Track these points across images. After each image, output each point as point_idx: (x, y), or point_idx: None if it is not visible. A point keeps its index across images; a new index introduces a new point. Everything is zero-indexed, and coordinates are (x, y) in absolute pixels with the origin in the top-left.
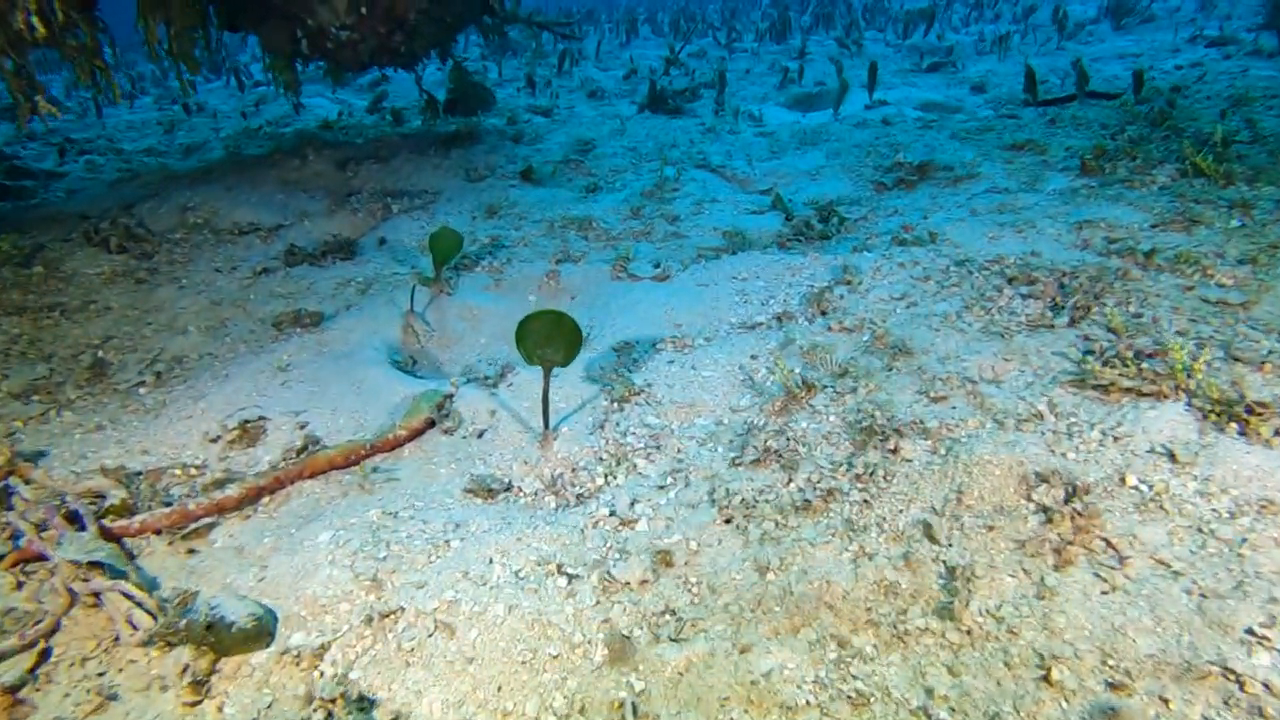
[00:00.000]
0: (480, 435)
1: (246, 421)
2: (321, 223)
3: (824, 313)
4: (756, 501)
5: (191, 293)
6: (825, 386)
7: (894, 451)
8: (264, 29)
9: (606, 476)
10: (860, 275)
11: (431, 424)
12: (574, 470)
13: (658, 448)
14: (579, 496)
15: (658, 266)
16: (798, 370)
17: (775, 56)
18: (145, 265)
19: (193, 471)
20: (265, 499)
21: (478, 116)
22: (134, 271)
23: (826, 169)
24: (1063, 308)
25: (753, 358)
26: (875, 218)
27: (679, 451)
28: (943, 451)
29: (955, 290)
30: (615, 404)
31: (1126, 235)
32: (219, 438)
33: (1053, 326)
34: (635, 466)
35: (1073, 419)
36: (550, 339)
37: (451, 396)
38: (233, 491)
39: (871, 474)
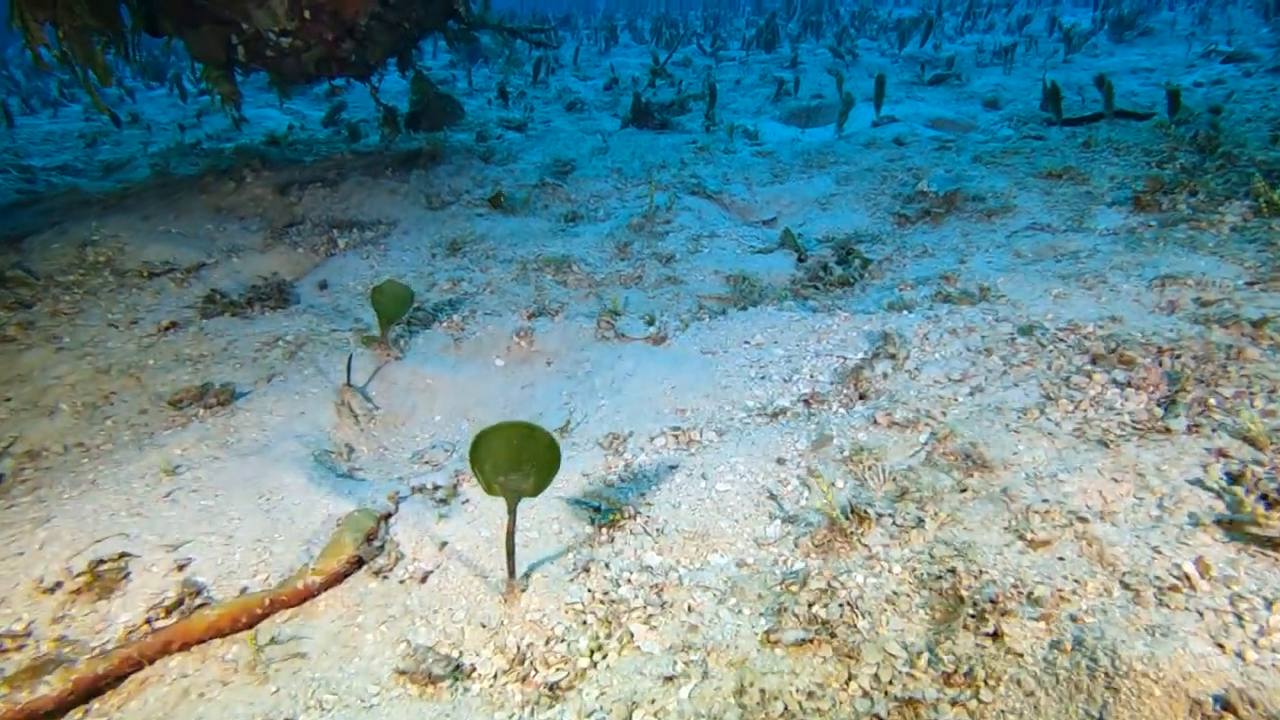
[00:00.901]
0: (424, 580)
1: (102, 561)
2: (254, 260)
3: (864, 396)
4: (807, 717)
5: (72, 356)
6: (881, 515)
7: (994, 636)
8: (192, 35)
9: (593, 653)
10: (905, 345)
11: (359, 563)
12: (548, 641)
13: (661, 605)
14: (553, 688)
15: (652, 324)
16: (841, 485)
17: (765, 66)
18: (18, 318)
19: (6, 644)
20: (107, 693)
21: (443, 131)
22: (1, 327)
23: (838, 197)
24: (1174, 403)
25: (779, 462)
26: (902, 259)
27: (691, 611)
28: (1067, 644)
29: (1028, 370)
30: (604, 532)
31: (1222, 296)
32: (59, 585)
33: (1169, 431)
34: (631, 637)
35: (1236, 590)
36: (517, 461)
37: (388, 518)
38: (51, 688)
39: (968, 675)
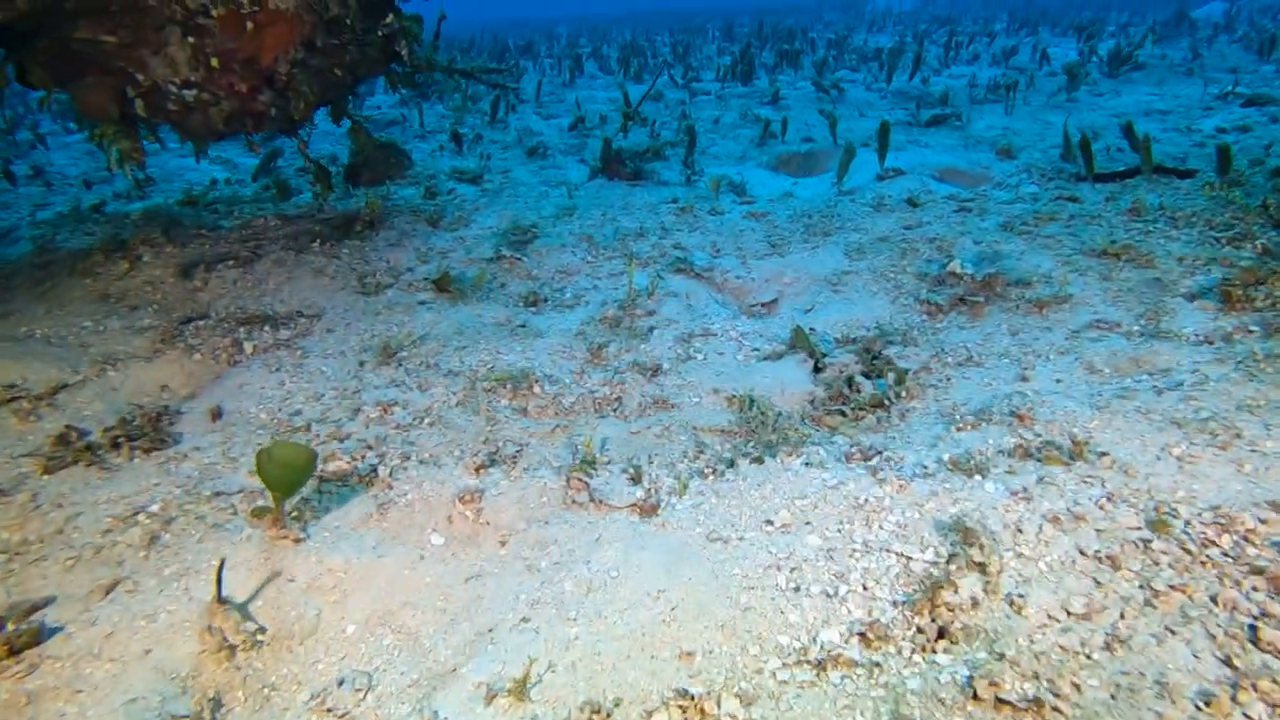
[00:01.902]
0: None
1: None
2: (136, 372)
3: (945, 634)
4: None
5: None
6: None
7: None
8: (76, 87)
9: None
10: (994, 545)
11: None
12: None
13: None
14: None
15: (638, 480)
16: None
17: (744, 101)
18: None
19: None
20: None
21: (387, 186)
22: None
23: (851, 276)
24: None
25: None
26: (943, 368)
27: None
28: None
29: (1182, 604)
30: None
31: None
32: None
33: None
34: None
35: None
36: None
37: None
38: None
39: None
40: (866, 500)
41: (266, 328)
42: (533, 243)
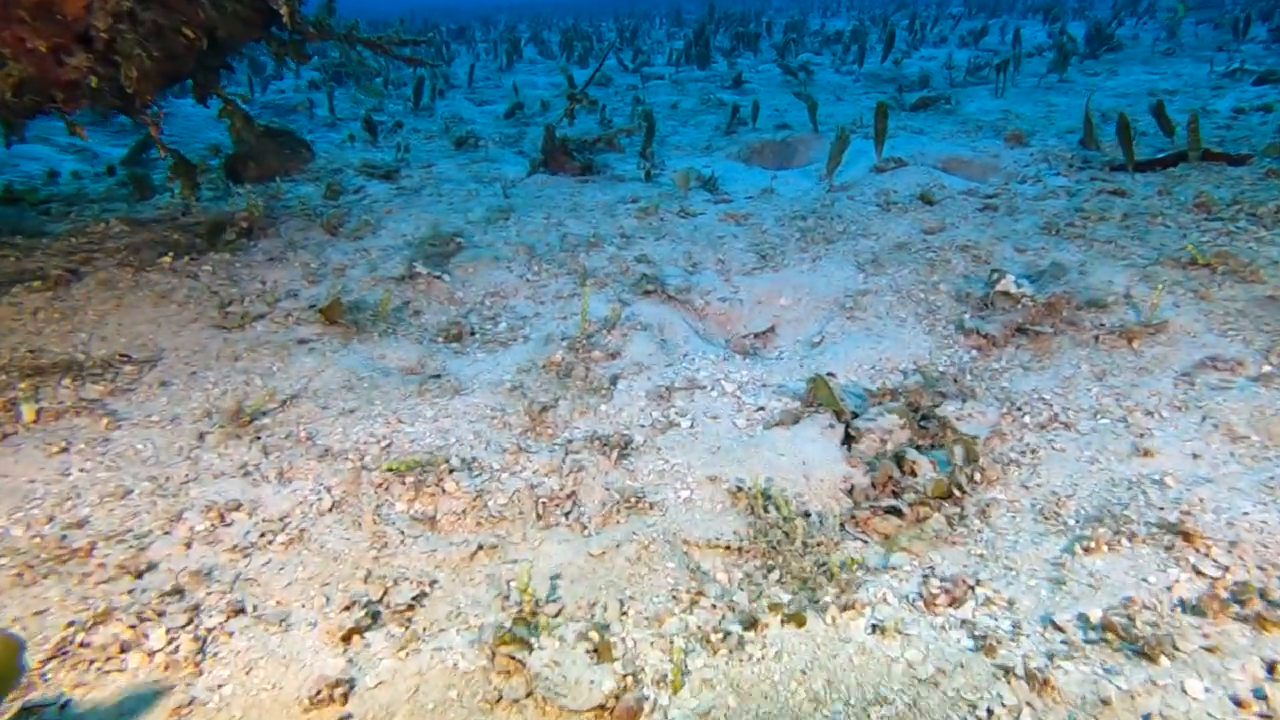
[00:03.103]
0: None
1: None
2: None
3: None
4: None
5: None
6: None
7: None
8: None
9: None
10: None
11: None
12: None
13: None
14: None
15: (603, 656)
16: None
17: (703, 86)
18: None
19: None
20: None
21: (278, 182)
22: None
23: (870, 297)
24: None
25: None
26: (1023, 433)
27: None
28: None
29: None
30: None
31: None
32: None
33: None
34: None
35: None
36: None
37: None
38: None
39: None
40: (992, 715)
41: (66, 381)
42: (457, 255)
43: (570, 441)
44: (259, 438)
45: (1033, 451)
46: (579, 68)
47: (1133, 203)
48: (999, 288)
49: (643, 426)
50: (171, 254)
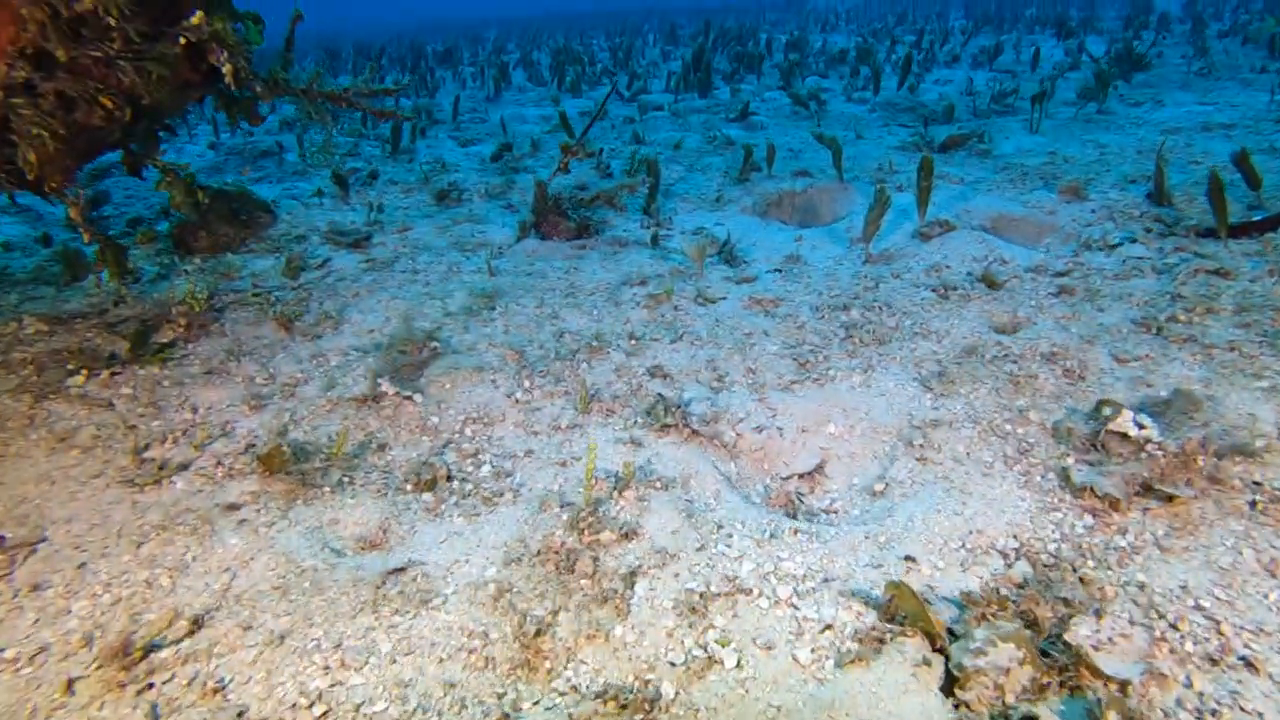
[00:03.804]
0: None
1: None
2: None
3: None
4: None
5: None
6: None
7: None
8: None
9: None
10: None
11: None
12: None
13: None
14: None
15: None
16: None
17: (706, 118)
18: None
19: None
20: None
21: (231, 255)
22: None
23: (943, 431)
24: None
25: None
26: (1185, 668)
27: None
28: None
29: None
30: None
31: None
32: None
33: None
34: None
35: None
36: None
37: None
38: None
39: None
40: None
41: None
42: (432, 364)
43: (577, 696)
44: (150, 686)
45: (1213, 716)
46: (570, 96)
47: (1242, 288)
48: (1113, 427)
49: (672, 665)
50: (86, 370)
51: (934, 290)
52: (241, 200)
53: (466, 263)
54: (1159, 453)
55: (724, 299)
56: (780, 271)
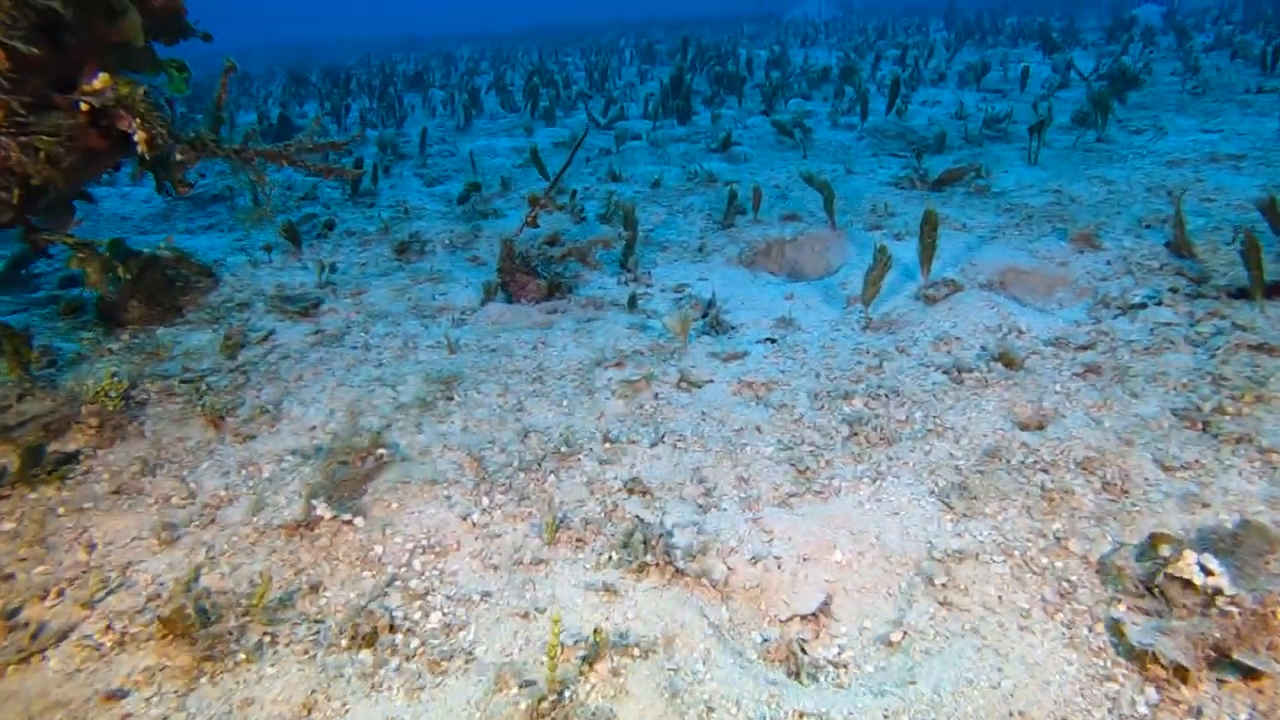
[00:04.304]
0: None
1: None
2: None
3: None
4: None
5: None
6: None
7: None
8: None
9: None
10: None
11: None
12: None
13: None
14: None
15: None
16: None
17: (686, 148)
18: None
19: None
20: None
21: (162, 329)
22: None
23: (968, 565)
24: None
25: None
26: None
27: None
28: None
29: None
30: None
31: None
32: None
33: None
34: None
35: None
36: None
37: None
38: None
39: None
40: None
41: None
42: (378, 476)
43: None
44: None
45: None
46: (544, 124)
47: None
48: (1173, 571)
49: None
50: None
51: (946, 372)
52: (178, 265)
53: (425, 334)
54: (1233, 608)
55: (710, 382)
56: (772, 341)
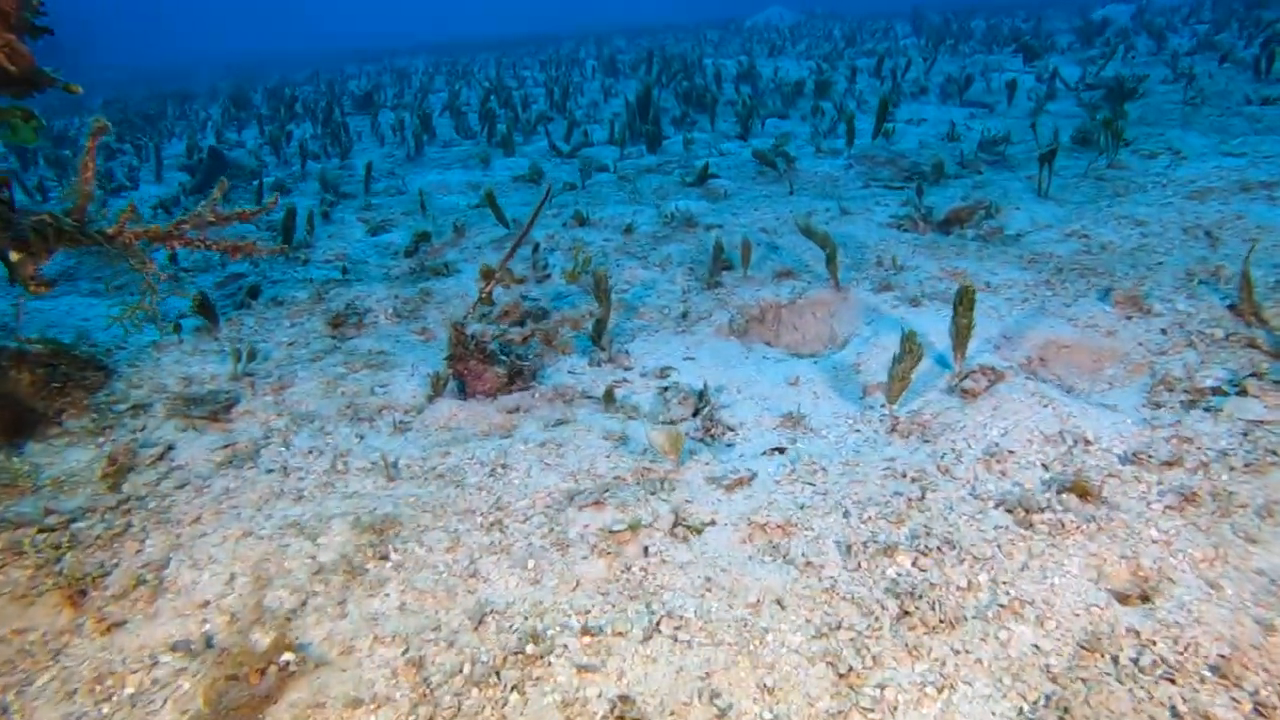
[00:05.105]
0: None
1: None
2: None
3: None
4: None
5: None
6: None
7: None
8: None
9: None
10: None
11: None
12: None
13: None
14: None
15: None
16: None
17: (659, 181)
18: None
19: None
20: None
21: (33, 445)
22: None
23: None
24: None
25: None
26: None
27: None
28: None
29: None
30: None
31: None
32: None
33: None
34: None
35: None
36: None
37: None
38: None
39: None
40: None
41: None
42: (283, 697)
43: None
44: None
45: None
46: (502, 154)
47: None
48: None
49: None
50: None
51: (1008, 509)
52: (60, 359)
53: (359, 449)
54: None
55: (712, 524)
56: (781, 451)
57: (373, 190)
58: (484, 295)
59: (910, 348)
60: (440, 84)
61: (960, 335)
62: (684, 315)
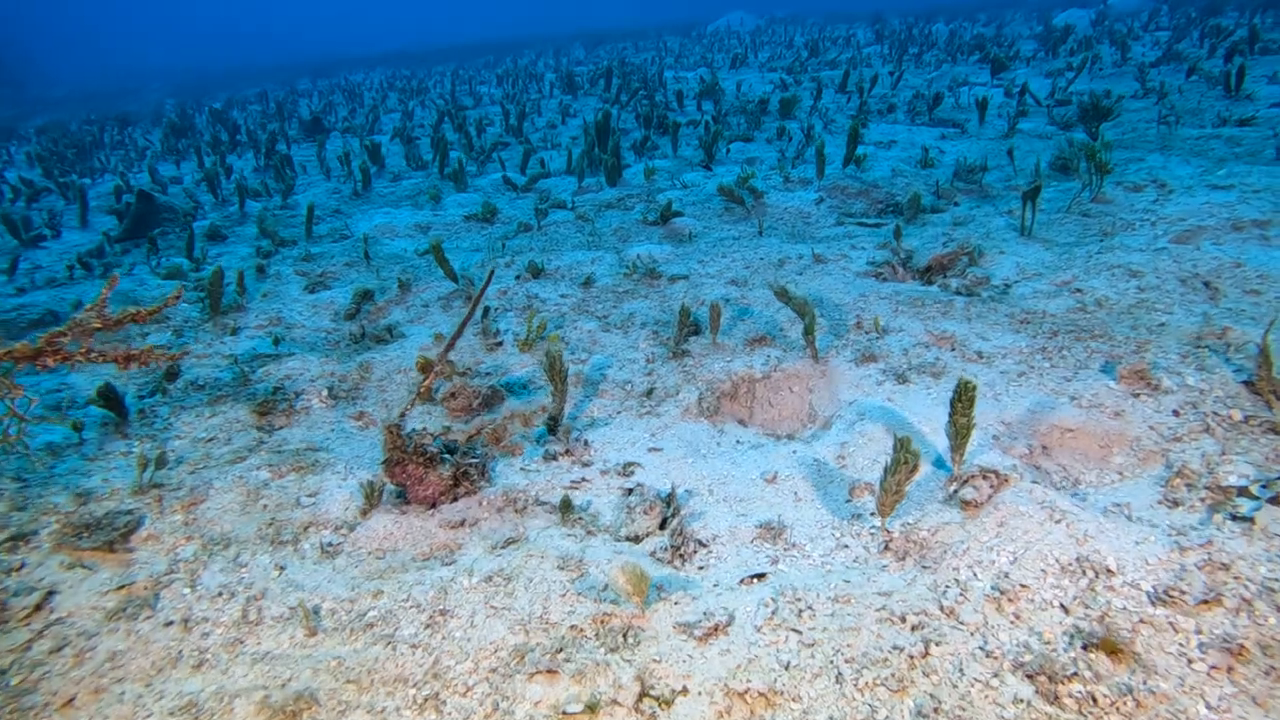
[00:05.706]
0: None
1: None
2: None
3: None
4: None
5: None
6: None
7: None
8: None
9: None
10: None
11: None
12: None
13: None
14: None
15: None
16: None
17: (619, 221)
18: None
19: None
20: None
21: None
22: None
23: None
24: None
25: None
26: None
27: None
28: None
29: None
30: None
31: None
32: None
33: None
34: None
35: None
36: None
37: None
38: None
39: None
40: None
41: None
42: None
43: None
44: None
45: None
46: (455, 188)
47: None
48: None
49: None
50: None
51: (1028, 675)
52: None
53: (276, 588)
54: None
55: (683, 695)
56: (761, 579)
57: (315, 235)
58: (423, 390)
59: (905, 457)
60: (394, 101)
61: (959, 436)
62: (649, 393)
